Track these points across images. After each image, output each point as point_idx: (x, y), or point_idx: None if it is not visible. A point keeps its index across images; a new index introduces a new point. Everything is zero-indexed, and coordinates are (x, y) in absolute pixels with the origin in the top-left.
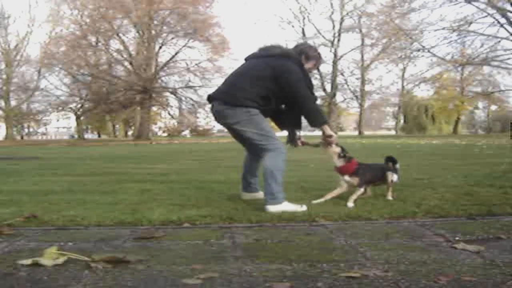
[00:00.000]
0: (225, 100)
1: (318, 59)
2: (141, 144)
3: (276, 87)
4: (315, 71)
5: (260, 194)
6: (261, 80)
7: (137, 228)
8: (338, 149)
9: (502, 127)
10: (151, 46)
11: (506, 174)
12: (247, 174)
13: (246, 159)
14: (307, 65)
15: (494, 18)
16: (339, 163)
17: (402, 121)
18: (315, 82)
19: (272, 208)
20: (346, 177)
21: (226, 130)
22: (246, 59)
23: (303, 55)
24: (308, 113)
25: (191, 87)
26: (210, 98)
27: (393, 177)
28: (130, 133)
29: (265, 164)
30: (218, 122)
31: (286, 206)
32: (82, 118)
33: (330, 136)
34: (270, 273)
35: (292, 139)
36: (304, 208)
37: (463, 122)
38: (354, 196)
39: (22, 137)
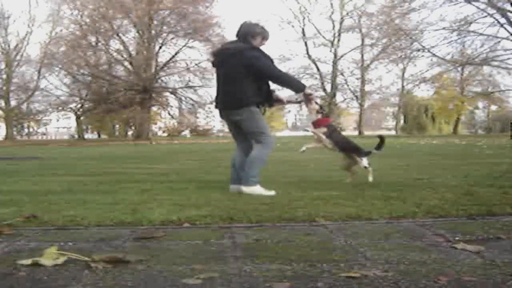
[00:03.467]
0: (232, 107)
1: (263, 32)
2: (141, 144)
3: (257, 76)
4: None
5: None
6: (247, 77)
7: (137, 228)
8: (317, 106)
9: (502, 127)
10: (151, 46)
11: (506, 174)
12: (238, 168)
13: (237, 155)
14: (256, 43)
15: (494, 18)
16: (316, 117)
17: (402, 121)
18: (315, 82)
19: (246, 189)
20: (318, 129)
21: (226, 130)
22: (217, 66)
23: (249, 36)
24: (289, 84)
25: (191, 87)
26: (219, 109)
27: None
28: (130, 133)
29: (252, 153)
30: (225, 119)
31: (258, 189)
32: (82, 118)
33: (310, 94)
34: (270, 273)
35: (269, 100)
36: (272, 193)
37: (463, 122)
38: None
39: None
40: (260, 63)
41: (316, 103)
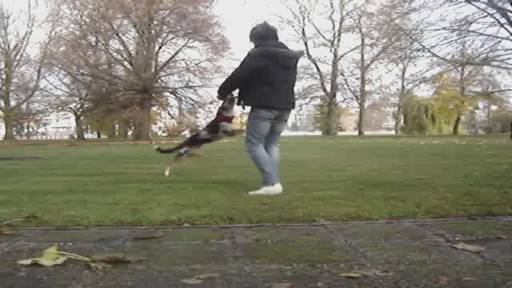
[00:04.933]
0: (294, 105)
1: (268, 30)
2: (141, 144)
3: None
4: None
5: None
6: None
7: (137, 228)
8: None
9: (502, 127)
10: (151, 46)
11: (506, 174)
12: (276, 166)
13: (267, 153)
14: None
15: (495, 18)
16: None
17: (402, 121)
18: (315, 82)
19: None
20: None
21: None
22: (286, 67)
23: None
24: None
25: (191, 87)
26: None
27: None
28: (130, 133)
29: (278, 155)
30: (279, 119)
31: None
32: (82, 118)
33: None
34: (270, 273)
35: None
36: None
37: (463, 122)
38: None
39: (21, 136)
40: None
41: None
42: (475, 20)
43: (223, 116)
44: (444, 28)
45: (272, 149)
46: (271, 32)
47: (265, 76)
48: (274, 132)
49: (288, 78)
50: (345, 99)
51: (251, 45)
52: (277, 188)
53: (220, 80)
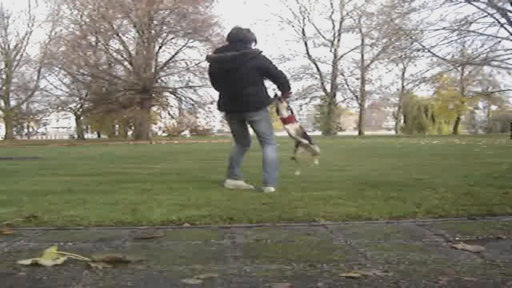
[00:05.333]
0: (252, 107)
1: (256, 38)
2: (141, 144)
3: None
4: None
5: (241, 183)
6: (260, 80)
7: (137, 228)
8: (286, 104)
9: (502, 127)
10: (151, 46)
11: (506, 174)
12: (236, 165)
13: (237, 153)
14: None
15: (494, 18)
16: (286, 114)
17: (402, 121)
18: (315, 82)
19: (273, 189)
20: (290, 125)
21: (226, 130)
22: (228, 71)
23: (248, 41)
24: (285, 84)
25: (191, 87)
26: (236, 111)
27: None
28: (130, 133)
29: (270, 155)
30: (235, 120)
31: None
32: (82, 118)
33: (291, 92)
34: (270, 273)
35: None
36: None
37: (463, 122)
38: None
39: (21, 136)
40: (271, 65)
41: (286, 101)
42: (475, 20)
43: (281, 118)
44: (444, 28)
45: (263, 149)
46: (228, 36)
47: (214, 81)
48: (256, 133)
49: (235, 81)
50: (345, 99)
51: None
52: (226, 183)
53: None
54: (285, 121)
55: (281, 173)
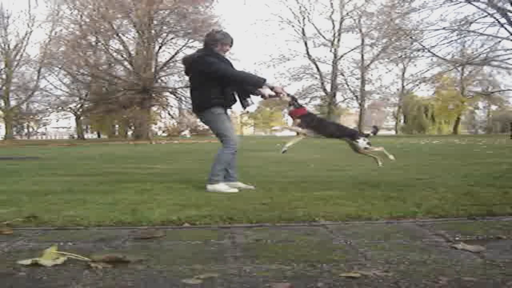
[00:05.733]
0: (197, 110)
1: (223, 39)
2: (141, 144)
3: (216, 79)
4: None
5: (237, 184)
6: (207, 82)
7: (137, 228)
8: (288, 98)
9: (502, 127)
10: (151, 46)
11: (506, 174)
12: (226, 166)
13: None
14: (217, 49)
15: (495, 18)
16: (288, 109)
17: (402, 121)
18: (315, 82)
19: (209, 187)
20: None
21: None
22: (186, 73)
23: (210, 44)
24: (246, 81)
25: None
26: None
27: (360, 144)
28: (130, 133)
29: (217, 153)
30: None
31: (219, 187)
32: (82, 118)
33: (273, 87)
34: (270, 273)
35: (242, 104)
36: (234, 190)
37: (463, 122)
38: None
39: (21, 137)
40: (213, 67)
41: (288, 94)
42: (475, 20)
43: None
44: (444, 28)
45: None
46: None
47: None
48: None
49: (192, 82)
50: (345, 99)
51: (251, 45)
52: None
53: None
54: (292, 115)
55: (281, 173)
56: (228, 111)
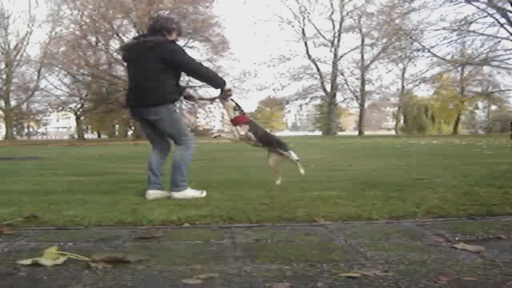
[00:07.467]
0: (150, 105)
1: (179, 28)
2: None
3: (175, 71)
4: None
5: (164, 193)
6: (165, 73)
7: (137, 228)
8: (233, 104)
9: (502, 127)
10: None
11: (506, 174)
12: (156, 171)
13: (153, 156)
14: (171, 38)
15: (494, 18)
16: (233, 115)
17: (402, 121)
18: (315, 82)
19: (177, 195)
20: (238, 127)
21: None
22: (129, 61)
23: (165, 31)
24: (210, 79)
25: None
26: (131, 106)
27: (293, 155)
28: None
29: (175, 156)
30: (137, 118)
31: (189, 193)
32: (82, 118)
33: (229, 90)
34: (270, 273)
35: (187, 97)
36: (203, 194)
37: (463, 122)
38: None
39: (21, 136)
40: (182, 57)
41: (232, 100)
42: (475, 20)
43: (230, 120)
44: (444, 28)
45: (175, 151)
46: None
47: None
48: (166, 135)
49: (135, 71)
50: (345, 99)
51: (251, 45)
52: (147, 194)
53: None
54: (233, 122)
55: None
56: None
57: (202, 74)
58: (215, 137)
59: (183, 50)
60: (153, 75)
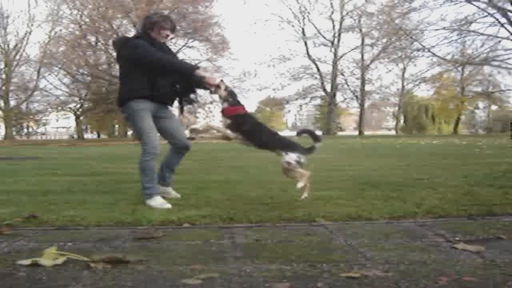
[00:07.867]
0: (118, 100)
1: (159, 21)
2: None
3: (142, 67)
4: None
5: (169, 190)
6: (131, 70)
7: (137, 228)
8: (224, 93)
9: (502, 127)
10: None
11: (506, 174)
12: (164, 166)
13: (169, 152)
14: (154, 34)
15: (495, 18)
16: (225, 105)
17: (402, 121)
18: (315, 82)
19: (147, 202)
20: (223, 120)
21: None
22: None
23: (146, 28)
24: (175, 68)
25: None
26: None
27: (286, 157)
28: (129, 133)
29: (141, 164)
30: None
31: (154, 202)
32: (81, 118)
33: (204, 77)
34: (270, 273)
35: (189, 102)
36: (167, 206)
37: (463, 122)
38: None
39: (21, 136)
40: (138, 51)
41: (226, 88)
42: (475, 20)
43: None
44: (444, 28)
45: None
46: None
47: None
48: None
49: (120, 70)
50: (345, 99)
51: (251, 45)
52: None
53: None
54: (224, 113)
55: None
56: (171, 108)
57: (166, 66)
58: (191, 138)
59: (146, 44)
60: (123, 74)
